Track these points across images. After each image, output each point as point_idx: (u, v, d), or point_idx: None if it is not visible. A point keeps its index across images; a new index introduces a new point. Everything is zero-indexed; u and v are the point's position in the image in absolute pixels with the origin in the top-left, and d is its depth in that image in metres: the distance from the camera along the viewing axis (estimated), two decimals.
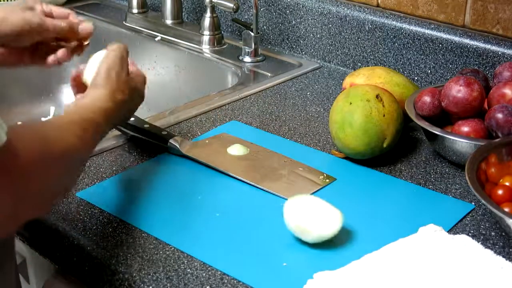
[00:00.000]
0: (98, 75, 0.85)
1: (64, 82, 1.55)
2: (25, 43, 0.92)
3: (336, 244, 0.81)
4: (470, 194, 0.92)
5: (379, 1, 1.29)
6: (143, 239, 0.83)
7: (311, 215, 0.80)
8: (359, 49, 1.31)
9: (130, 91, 0.88)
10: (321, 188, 0.93)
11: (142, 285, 0.76)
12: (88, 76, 0.89)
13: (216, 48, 1.44)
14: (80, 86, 0.91)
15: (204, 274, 0.77)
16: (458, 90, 0.96)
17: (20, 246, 0.96)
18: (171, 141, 1.01)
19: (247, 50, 1.37)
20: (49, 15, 0.94)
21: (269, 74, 1.31)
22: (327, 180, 0.95)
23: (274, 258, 0.79)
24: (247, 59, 1.37)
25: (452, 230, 0.85)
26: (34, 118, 1.52)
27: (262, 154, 1.01)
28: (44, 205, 0.70)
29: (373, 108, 0.96)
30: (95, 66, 0.88)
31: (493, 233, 0.84)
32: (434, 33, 1.20)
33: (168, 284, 0.75)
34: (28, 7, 0.91)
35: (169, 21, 1.51)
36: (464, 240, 0.80)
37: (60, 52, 0.94)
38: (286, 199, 0.86)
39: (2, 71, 1.51)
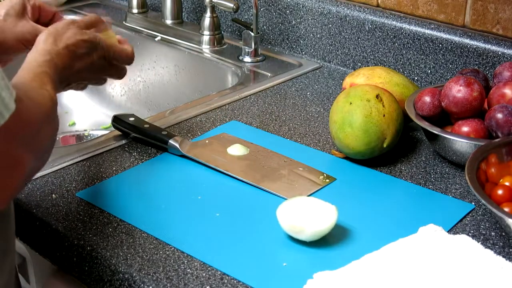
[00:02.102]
0: (37, 38, 0.86)
1: None
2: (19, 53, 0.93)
3: (336, 244, 0.81)
4: (470, 194, 0.92)
5: (379, 1, 1.29)
6: (143, 239, 0.83)
7: (304, 214, 0.81)
8: (359, 49, 1.31)
9: (72, 40, 0.86)
10: (321, 188, 0.93)
11: (142, 285, 0.76)
12: None
13: (216, 48, 1.44)
14: None
15: (204, 274, 0.77)
16: (458, 90, 0.96)
17: (20, 246, 0.96)
18: (171, 141, 1.01)
19: (247, 50, 1.37)
20: (36, 12, 0.93)
21: (269, 74, 1.31)
22: (327, 180, 0.95)
23: (274, 258, 0.79)
24: (247, 59, 1.37)
25: (452, 230, 0.85)
26: None
27: (262, 154, 1.01)
28: (47, 157, 0.74)
29: (373, 108, 0.96)
30: None
31: (493, 233, 0.84)
32: (434, 33, 1.20)
33: (168, 284, 0.75)
34: (19, 11, 0.89)
35: (169, 21, 1.51)
36: (464, 240, 0.80)
37: None
38: (286, 199, 0.86)
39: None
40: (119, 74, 0.95)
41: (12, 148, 0.63)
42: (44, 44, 0.84)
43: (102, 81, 0.96)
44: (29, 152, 0.65)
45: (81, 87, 0.95)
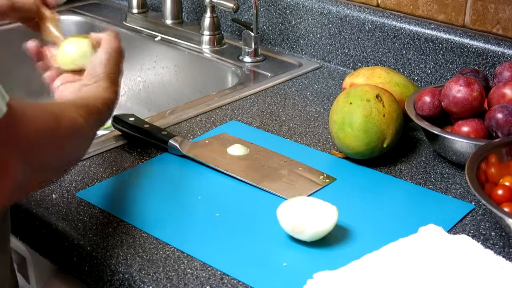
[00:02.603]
0: (100, 66, 0.87)
1: None
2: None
3: (336, 244, 0.81)
4: (470, 194, 0.92)
5: (379, 1, 1.29)
6: (143, 239, 0.83)
7: (305, 214, 0.81)
8: (359, 49, 1.31)
9: (121, 68, 0.91)
10: (321, 188, 0.93)
11: (142, 285, 0.76)
12: (63, 62, 0.91)
13: (216, 48, 1.44)
14: (47, 67, 0.93)
15: (204, 274, 0.77)
16: (458, 90, 0.96)
17: (20, 246, 0.97)
18: (171, 141, 1.01)
19: (247, 50, 1.37)
20: None
21: (269, 74, 1.31)
22: (327, 180, 0.95)
23: (274, 258, 0.79)
24: (247, 59, 1.37)
25: (452, 230, 0.85)
26: None
27: (262, 154, 1.01)
28: (52, 177, 0.74)
29: (373, 108, 0.96)
30: (72, 52, 0.91)
31: (493, 233, 0.84)
32: (434, 33, 1.20)
33: (168, 284, 0.75)
34: None
35: (169, 21, 1.51)
36: (464, 240, 0.80)
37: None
38: (286, 199, 0.86)
39: (1, 70, 1.51)
40: None
41: None
42: (111, 85, 0.86)
43: None
44: (19, 160, 0.62)
45: None
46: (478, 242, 0.80)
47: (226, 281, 0.76)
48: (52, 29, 0.95)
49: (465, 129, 0.96)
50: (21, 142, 0.63)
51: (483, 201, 0.79)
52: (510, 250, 0.81)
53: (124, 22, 1.58)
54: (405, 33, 1.24)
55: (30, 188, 0.71)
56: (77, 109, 0.75)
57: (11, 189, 0.63)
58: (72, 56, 0.91)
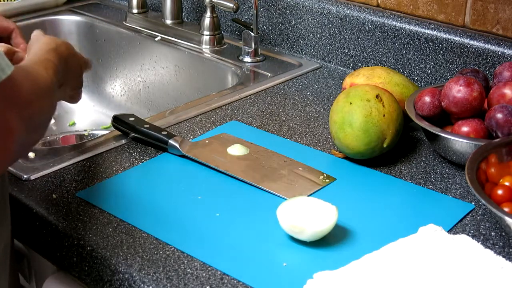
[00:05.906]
0: (32, 40, 0.92)
1: None
2: None
3: (336, 244, 0.81)
4: (470, 194, 0.92)
5: (379, 1, 1.29)
6: (143, 239, 0.83)
7: (304, 214, 0.81)
8: (359, 49, 1.31)
9: (62, 43, 0.93)
10: (321, 188, 0.93)
11: (142, 285, 0.76)
12: None
13: (216, 48, 1.44)
14: None
15: (204, 274, 0.77)
16: (458, 90, 0.97)
17: (20, 246, 0.97)
18: (171, 141, 1.01)
19: (247, 50, 1.37)
20: None
21: (269, 74, 1.31)
22: (327, 180, 0.95)
23: (274, 258, 0.80)
24: (247, 59, 1.37)
25: (452, 230, 0.85)
26: None
27: (262, 154, 1.01)
28: (42, 133, 0.78)
29: (373, 108, 0.96)
30: None
31: (493, 233, 0.84)
32: (434, 33, 1.21)
33: (168, 284, 0.75)
34: None
35: (169, 21, 1.51)
36: (464, 240, 0.80)
37: None
38: (286, 199, 0.86)
39: None
40: (77, 95, 1.03)
41: (3, 110, 0.65)
42: (45, 37, 0.89)
43: (76, 95, 1.02)
44: (21, 119, 0.68)
45: (70, 97, 1.01)
46: (478, 242, 0.80)
47: (226, 281, 0.76)
48: None
49: (465, 129, 0.96)
50: (22, 102, 0.68)
51: (483, 201, 0.79)
52: (510, 250, 0.81)
53: (124, 22, 1.58)
54: (405, 33, 1.24)
55: (28, 146, 0.77)
56: (38, 67, 0.80)
57: (16, 148, 0.68)
58: None
